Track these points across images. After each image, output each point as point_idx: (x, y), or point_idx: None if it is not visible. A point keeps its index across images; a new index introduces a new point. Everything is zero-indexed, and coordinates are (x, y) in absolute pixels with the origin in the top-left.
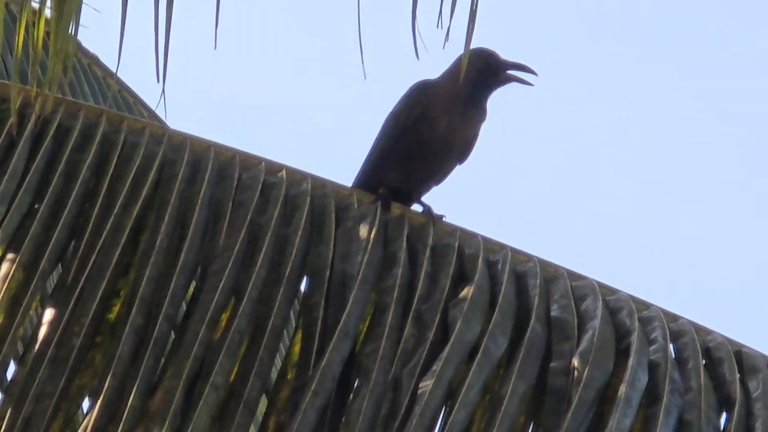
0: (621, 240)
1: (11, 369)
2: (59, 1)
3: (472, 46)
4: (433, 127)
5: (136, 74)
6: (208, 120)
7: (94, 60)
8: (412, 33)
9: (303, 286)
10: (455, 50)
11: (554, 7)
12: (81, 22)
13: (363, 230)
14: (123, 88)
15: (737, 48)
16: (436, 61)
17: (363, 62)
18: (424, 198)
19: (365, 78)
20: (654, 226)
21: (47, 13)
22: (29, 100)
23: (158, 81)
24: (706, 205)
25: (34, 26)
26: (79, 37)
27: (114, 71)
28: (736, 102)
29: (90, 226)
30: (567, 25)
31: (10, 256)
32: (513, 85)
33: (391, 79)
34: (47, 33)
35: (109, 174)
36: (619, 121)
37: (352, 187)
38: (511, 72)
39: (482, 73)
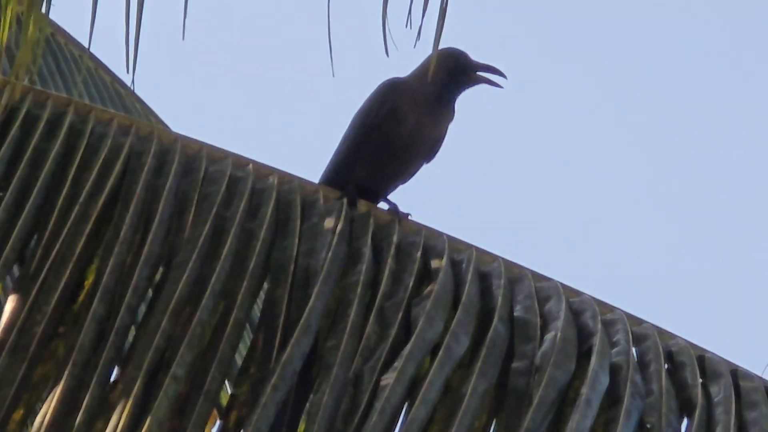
0: (587, 242)
1: None
2: None
3: (442, 46)
4: (401, 125)
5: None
6: (184, 113)
7: (70, 39)
8: (382, 31)
9: (266, 281)
10: (426, 49)
11: (526, 8)
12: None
13: (328, 226)
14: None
15: (714, 52)
16: (407, 59)
17: (332, 59)
18: (391, 196)
19: (333, 75)
20: (620, 229)
21: None
22: None
23: (128, 71)
24: (676, 209)
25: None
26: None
27: (91, 51)
28: (710, 103)
29: (55, 215)
30: (538, 25)
31: None
32: (482, 86)
33: (360, 76)
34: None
35: (76, 164)
36: (584, 121)
37: (318, 183)
38: (480, 73)
39: (452, 73)
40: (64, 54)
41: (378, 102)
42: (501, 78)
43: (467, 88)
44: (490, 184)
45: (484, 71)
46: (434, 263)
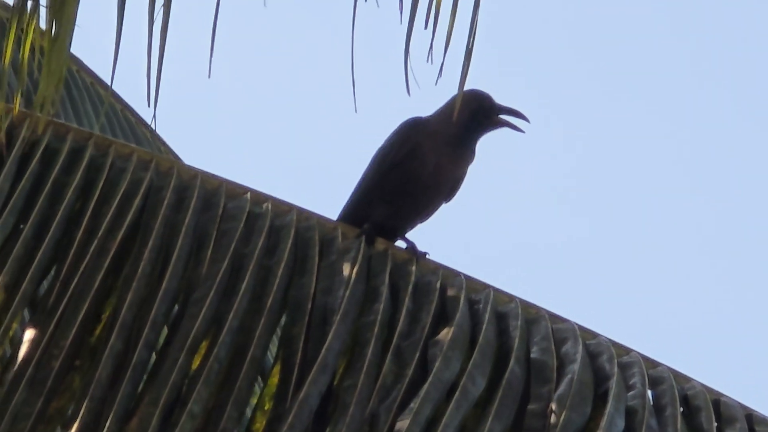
0: (602, 283)
1: None
2: (55, 19)
3: (468, 87)
4: (421, 165)
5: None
6: (195, 147)
7: (83, 67)
8: (404, 69)
9: (284, 318)
10: (449, 88)
11: (547, 47)
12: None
13: (346, 264)
14: (113, 94)
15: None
16: (430, 97)
17: (354, 95)
18: (409, 235)
19: (356, 112)
20: (638, 272)
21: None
22: (18, 121)
23: (149, 105)
24: (692, 249)
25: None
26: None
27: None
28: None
29: (74, 249)
30: (560, 60)
31: None
32: (504, 129)
33: (381, 113)
34: (35, 48)
35: (95, 197)
36: (604, 162)
37: (337, 220)
38: (503, 117)
39: (475, 115)
40: (75, 82)
41: (399, 141)
42: (524, 122)
43: (489, 131)
44: (508, 224)
45: (508, 114)
46: (451, 303)
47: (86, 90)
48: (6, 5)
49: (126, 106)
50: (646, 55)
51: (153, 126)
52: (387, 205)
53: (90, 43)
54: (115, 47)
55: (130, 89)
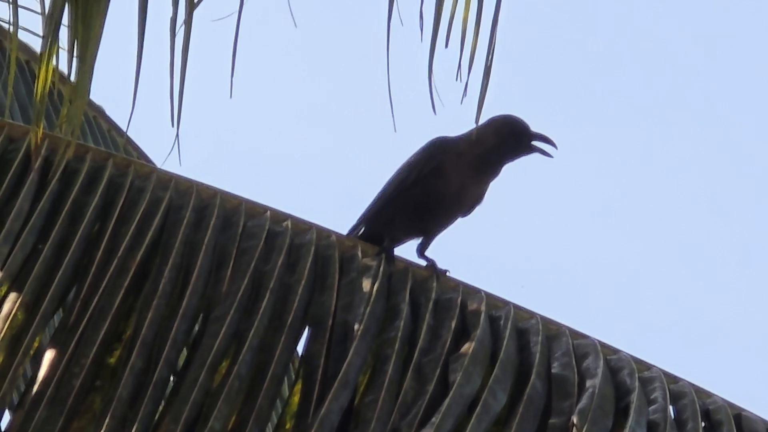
0: (624, 299)
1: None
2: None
3: (503, 112)
4: (443, 183)
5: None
6: (215, 167)
7: (100, 113)
8: (429, 88)
9: (304, 335)
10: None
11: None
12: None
13: (366, 282)
14: (128, 141)
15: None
16: (455, 116)
17: (393, 115)
18: (428, 252)
19: (395, 131)
20: (658, 286)
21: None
22: (37, 143)
23: (172, 125)
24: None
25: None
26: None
27: (125, 129)
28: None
29: (93, 268)
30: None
31: (12, 295)
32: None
33: (403, 133)
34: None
35: (115, 217)
36: (624, 176)
37: (350, 229)
38: (535, 144)
39: (505, 140)
40: (92, 128)
41: (426, 158)
42: (552, 148)
43: (519, 156)
44: (528, 241)
45: (540, 141)
46: (472, 319)
47: (102, 137)
48: (25, 47)
49: (142, 154)
50: (675, 74)
51: (179, 161)
52: (405, 218)
53: (107, 93)
54: (132, 96)
55: (146, 137)
